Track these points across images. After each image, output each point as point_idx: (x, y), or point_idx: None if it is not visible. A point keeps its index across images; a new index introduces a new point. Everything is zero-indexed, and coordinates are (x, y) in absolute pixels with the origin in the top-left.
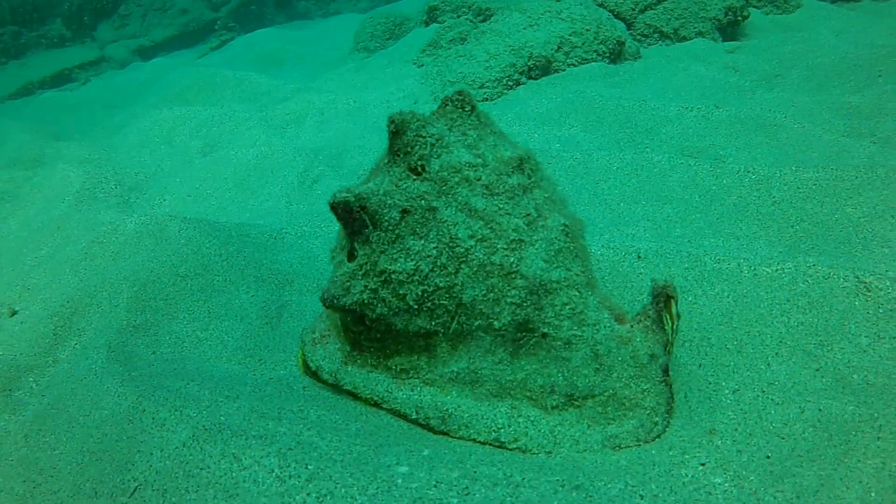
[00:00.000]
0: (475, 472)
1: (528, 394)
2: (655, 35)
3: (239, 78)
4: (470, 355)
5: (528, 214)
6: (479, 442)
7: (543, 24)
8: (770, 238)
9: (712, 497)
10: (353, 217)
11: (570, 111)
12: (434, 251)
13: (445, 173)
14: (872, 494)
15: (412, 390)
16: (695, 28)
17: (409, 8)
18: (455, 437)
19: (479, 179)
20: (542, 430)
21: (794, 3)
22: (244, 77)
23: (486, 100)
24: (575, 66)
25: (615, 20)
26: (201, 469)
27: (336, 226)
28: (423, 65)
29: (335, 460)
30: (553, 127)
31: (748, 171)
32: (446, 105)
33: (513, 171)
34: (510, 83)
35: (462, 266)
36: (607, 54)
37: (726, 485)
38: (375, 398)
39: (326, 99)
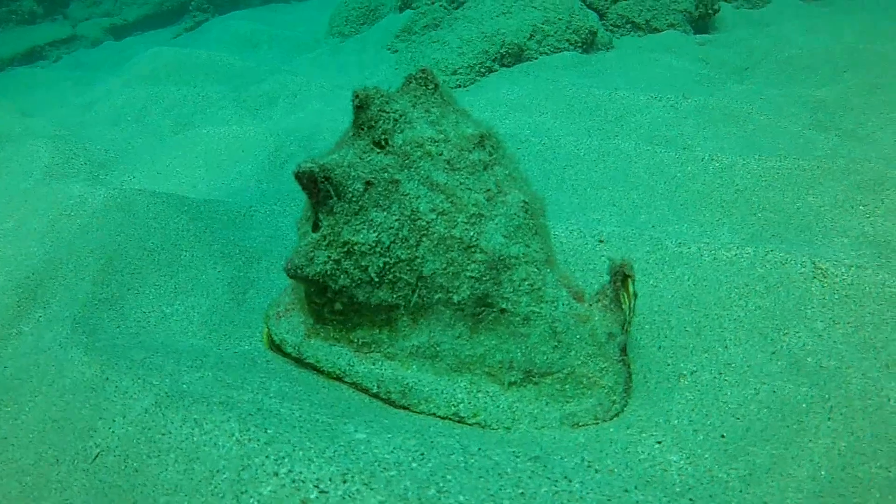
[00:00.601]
0: (433, 441)
1: (487, 369)
2: (628, 26)
3: (212, 59)
4: (430, 329)
5: (489, 190)
6: (439, 416)
7: (516, 12)
8: (733, 225)
9: (667, 474)
10: (318, 187)
11: (540, 98)
12: (396, 223)
13: (408, 148)
14: (822, 472)
15: (374, 364)
16: (667, 20)
17: None
18: (415, 412)
19: (440, 154)
20: (501, 406)
21: None
22: (217, 58)
23: (459, 86)
24: (547, 54)
25: (588, 10)
26: (163, 434)
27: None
28: (396, 50)
29: (294, 426)
30: (524, 113)
31: (712, 159)
32: (410, 83)
33: (474, 147)
34: (483, 70)
35: (423, 239)
36: (580, 44)
37: (682, 462)
38: (337, 372)
39: (300, 81)
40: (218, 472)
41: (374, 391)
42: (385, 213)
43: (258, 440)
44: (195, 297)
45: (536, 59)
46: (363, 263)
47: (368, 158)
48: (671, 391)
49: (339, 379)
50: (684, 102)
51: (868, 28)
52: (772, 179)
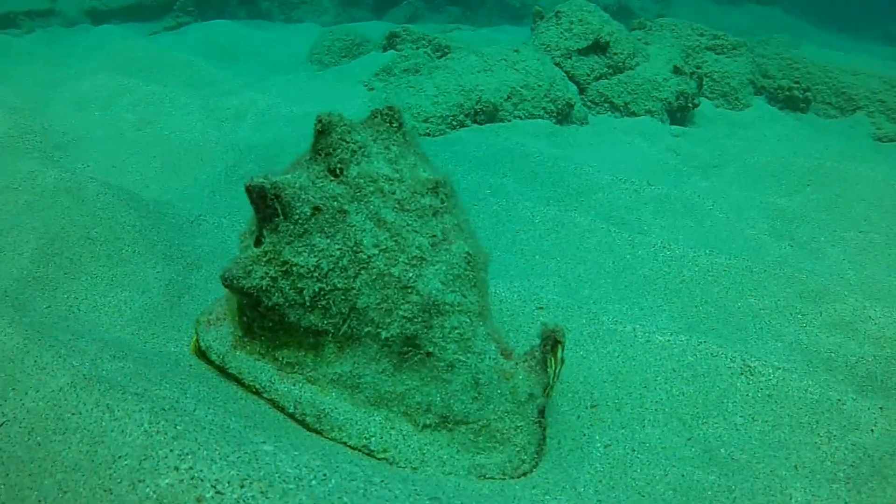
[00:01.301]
0: (338, 465)
1: (404, 408)
2: (606, 105)
3: (187, 62)
4: (355, 360)
5: (434, 236)
6: (349, 446)
7: (498, 71)
8: (672, 313)
9: None
10: (267, 204)
11: (506, 161)
12: (337, 252)
13: (362, 181)
14: None
15: (294, 385)
16: (645, 106)
17: (371, 31)
18: (327, 438)
19: (393, 193)
20: (412, 446)
21: (744, 101)
22: (193, 62)
23: (428, 135)
24: (521, 118)
25: (569, 82)
26: (73, 414)
27: None
28: (373, 88)
29: (204, 427)
30: (486, 173)
31: (664, 247)
32: (375, 117)
33: (427, 192)
34: (454, 123)
35: (361, 272)
36: (555, 113)
37: None
38: (257, 386)
39: (271, 101)
40: (120, 458)
41: (290, 411)
42: (328, 241)
43: (165, 433)
44: (130, 292)
45: (510, 121)
46: (299, 285)
47: (321, 184)
48: (582, 460)
49: (258, 393)
50: (647, 189)
51: (836, 146)
52: (718, 276)
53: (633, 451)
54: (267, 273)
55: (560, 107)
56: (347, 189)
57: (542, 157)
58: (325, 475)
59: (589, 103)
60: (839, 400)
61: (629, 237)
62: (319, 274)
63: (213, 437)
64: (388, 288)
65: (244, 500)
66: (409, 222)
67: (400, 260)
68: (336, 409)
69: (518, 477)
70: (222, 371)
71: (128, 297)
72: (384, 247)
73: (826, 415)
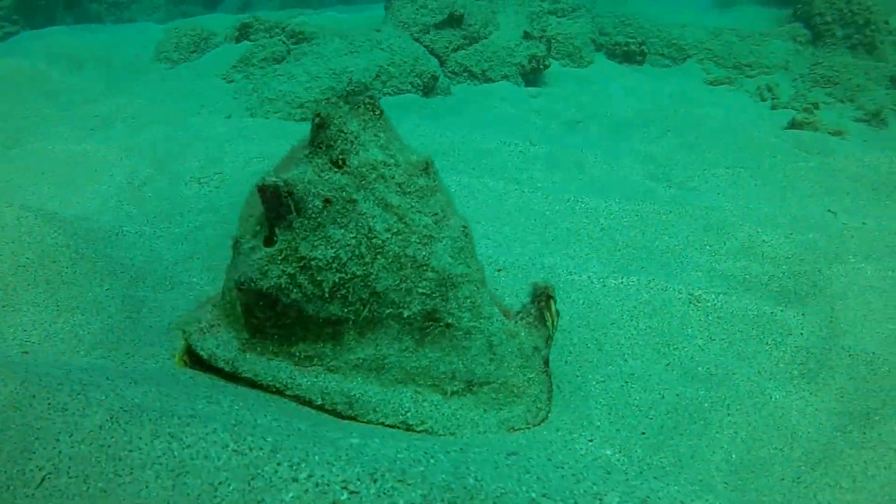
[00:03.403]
0: (418, 443)
1: (430, 380)
2: (465, 74)
3: (38, 73)
4: (377, 343)
5: (436, 214)
6: (387, 425)
7: (364, 52)
8: (601, 259)
9: (609, 464)
10: (281, 202)
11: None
12: (353, 241)
13: (364, 169)
14: (733, 456)
15: (316, 377)
16: (501, 71)
17: (216, 24)
18: (362, 421)
19: (393, 178)
20: (445, 414)
21: (588, 59)
22: (42, 73)
23: (304, 120)
24: (391, 95)
25: (430, 56)
26: (131, 451)
27: (184, 225)
28: (232, 80)
29: (288, 434)
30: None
31: (578, 201)
32: (358, 107)
33: (420, 173)
34: None
35: (378, 257)
36: (421, 87)
37: (617, 455)
38: (278, 385)
39: (137, 104)
40: (220, 484)
41: (319, 403)
42: (343, 231)
43: (261, 448)
44: (83, 315)
45: (380, 98)
46: (318, 278)
47: (327, 177)
48: (586, 398)
49: (279, 392)
50: (532, 148)
51: (678, 93)
52: (631, 220)
53: (626, 382)
54: (284, 271)
55: (426, 80)
56: (352, 178)
57: (422, 129)
58: (426, 453)
59: (450, 74)
60: (771, 312)
61: (542, 195)
62: (338, 264)
63: (308, 442)
64: (405, 268)
65: (386, 493)
66: (413, 203)
67: (412, 240)
68: (366, 392)
69: (539, 423)
70: (232, 377)
71: (82, 321)
72: (395, 230)
73: (766, 326)
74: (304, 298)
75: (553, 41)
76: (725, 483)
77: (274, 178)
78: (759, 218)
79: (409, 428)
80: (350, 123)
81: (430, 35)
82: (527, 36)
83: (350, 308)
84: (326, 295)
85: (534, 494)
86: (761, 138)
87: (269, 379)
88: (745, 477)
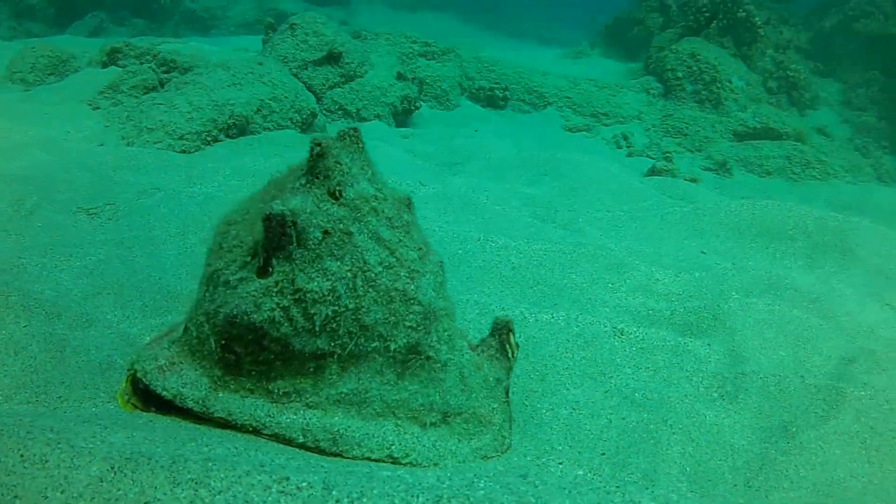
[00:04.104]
0: (440, 474)
1: (410, 412)
2: (339, 112)
3: None
4: (359, 376)
5: (420, 248)
6: (373, 459)
7: (246, 85)
8: (516, 296)
9: (586, 481)
10: (284, 232)
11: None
12: (349, 273)
13: (359, 202)
14: (687, 469)
15: (295, 414)
16: (374, 111)
17: (72, 46)
18: (347, 457)
19: (383, 212)
20: (426, 445)
21: (455, 102)
22: None
23: (185, 152)
24: (270, 130)
25: (307, 92)
26: (147, 502)
27: (86, 258)
28: (98, 107)
29: (326, 471)
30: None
31: (488, 240)
32: (344, 139)
33: (405, 208)
34: (209, 138)
35: (370, 290)
36: (300, 123)
37: (589, 474)
38: (255, 424)
39: (1, 127)
40: None
41: (300, 441)
42: (339, 263)
43: (311, 487)
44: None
45: (260, 133)
46: (311, 311)
47: (325, 208)
48: (541, 426)
49: (255, 432)
50: (422, 188)
51: (547, 138)
52: (540, 259)
53: (574, 409)
54: (277, 304)
55: (304, 116)
56: (349, 211)
57: None
58: (468, 483)
59: (325, 111)
60: (684, 343)
61: (453, 233)
62: (333, 297)
63: (357, 478)
64: (394, 302)
65: None
66: (401, 238)
67: (401, 274)
68: (349, 427)
69: (505, 451)
70: (201, 418)
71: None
72: (387, 263)
73: (683, 356)
74: (293, 332)
75: (423, 83)
76: (692, 491)
77: (282, 208)
78: (647, 258)
79: (394, 461)
80: (342, 155)
81: (309, 71)
82: (400, 77)
83: (337, 342)
84: (317, 328)
85: None
86: (629, 184)
87: (246, 418)
88: (705, 485)
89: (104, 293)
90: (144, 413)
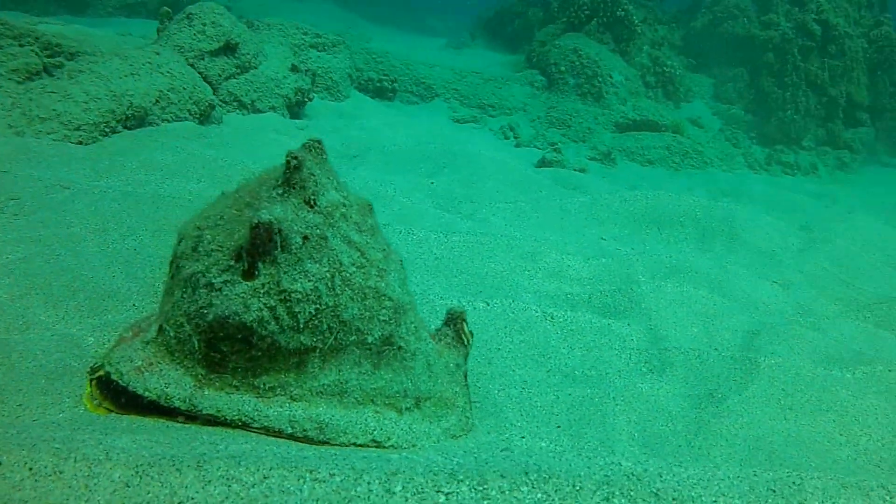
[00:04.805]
0: (443, 454)
1: (386, 399)
2: (235, 103)
3: None
4: (340, 368)
5: (384, 249)
6: (359, 445)
7: (144, 75)
8: (443, 285)
9: (553, 452)
10: (271, 238)
11: (190, 165)
12: (327, 274)
13: (330, 209)
14: (635, 435)
15: (281, 407)
16: (269, 103)
17: None
18: (335, 445)
19: (351, 217)
20: (404, 428)
21: (345, 93)
22: None
23: (82, 143)
24: (169, 121)
25: (205, 83)
26: (181, 502)
27: (1, 256)
28: None
29: (345, 463)
30: (180, 179)
31: (408, 233)
32: (310, 150)
33: (368, 213)
34: (107, 130)
35: (346, 288)
36: (198, 115)
37: (552, 445)
38: (244, 418)
39: None
40: None
41: (289, 432)
42: (318, 265)
43: (344, 472)
44: None
45: (159, 124)
46: (296, 310)
47: (303, 216)
48: (496, 405)
49: (244, 426)
50: None
51: (438, 129)
52: (460, 250)
53: (523, 388)
54: (265, 304)
55: (202, 108)
56: (322, 217)
57: (210, 159)
58: (474, 460)
59: (221, 103)
60: (608, 324)
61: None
62: (315, 296)
63: (380, 463)
64: (368, 298)
65: (478, 488)
66: (368, 240)
67: (372, 273)
68: (333, 416)
69: (469, 430)
70: (188, 417)
71: None
72: (359, 263)
73: (609, 335)
74: (279, 330)
75: (315, 75)
76: (646, 454)
77: (268, 216)
78: (555, 246)
79: (378, 445)
80: (314, 167)
81: (206, 62)
82: (294, 69)
83: (318, 337)
84: (301, 326)
85: (564, 469)
86: (525, 174)
87: (234, 413)
88: (654, 448)
89: (32, 293)
90: (124, 416)
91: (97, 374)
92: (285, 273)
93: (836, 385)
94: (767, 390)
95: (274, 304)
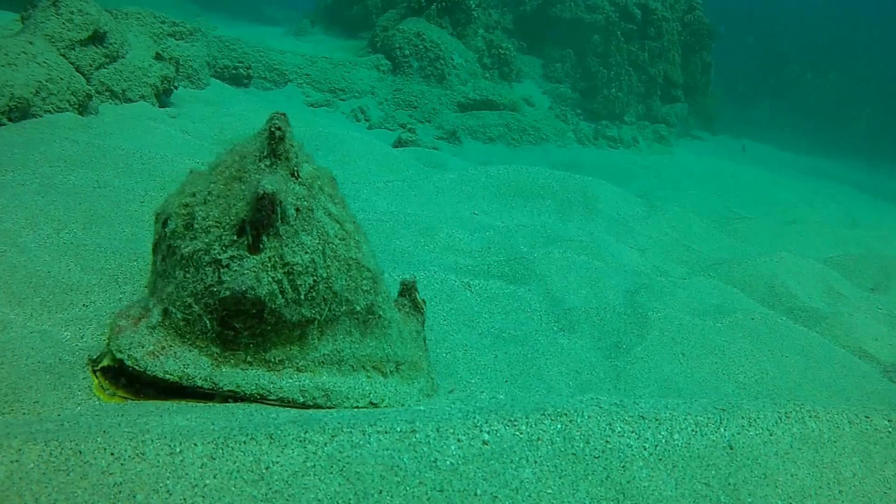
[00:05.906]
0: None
1: (373, 364)
2: (107, 93)
3: None
4: (335, 338)
5: (354, 221)
6: (359, 407)
7: (21, 66)
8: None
9: (508, 404)
10: (274, 209)
11: (90, 156)
12: (318, 246)
13: (311, 180)
14: (570, 383)
15: (291, 378)
16: (139, 92)
17: None
18: (340, 408)
19: (325, 189)
20: (391, 390)
21: (205, 81)
22: None
23: None
24: (51, 112)
25: (78, 74)
26: (268, 466)
27: None
28: None
29: (409, 413)
30: (86, 170)
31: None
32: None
33: (335, 185)
34: None
35: (335, 260)
36: (77, 105)
37: (506, 399)
38: (261, 391)
39: None
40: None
41: (301, 401)
42: (309, 237)
43: (400, 426)
44: None
45: (42, 116)
46: (298, 283)
47: (291, 187)
48: (447, 366)
49: (262, 398)
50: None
51: (297, 113)
52: (366, 228)
53: (465, 350)
54: (273, 278)
55: (81, 98)
56: (306, 189)
57: (104, 148)
58: (498, 404)
59: (95, 93)
60: (514, 290)
61: None
62: (312, 268)
63: (426, 416)
64: (352, 269)
65: (511, 421)
66: (342, 212)
67: (351, 244)
68: (335, 384)
69: (436, 390)
70: (207, 395)
71: None
72: (340, 235)
73: (519, 300)
74: (284, 303)
75: (178, 63)
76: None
77: (272, 187)
78: (441, 221)
79: (374, 406)
80: (293, 137)
81: (76, 52)
82: (158, 57)
83: (316, 309)
84: (302, 298)
85: (564, 405)
86: (392, 155)
87: (252, 388)
88: (589, 392)
89: None
90: (143, 402)
91: (101, 365)
92: (286, 246)
93: (712, 332)
94: (661, 339)
95: (280, 277)
